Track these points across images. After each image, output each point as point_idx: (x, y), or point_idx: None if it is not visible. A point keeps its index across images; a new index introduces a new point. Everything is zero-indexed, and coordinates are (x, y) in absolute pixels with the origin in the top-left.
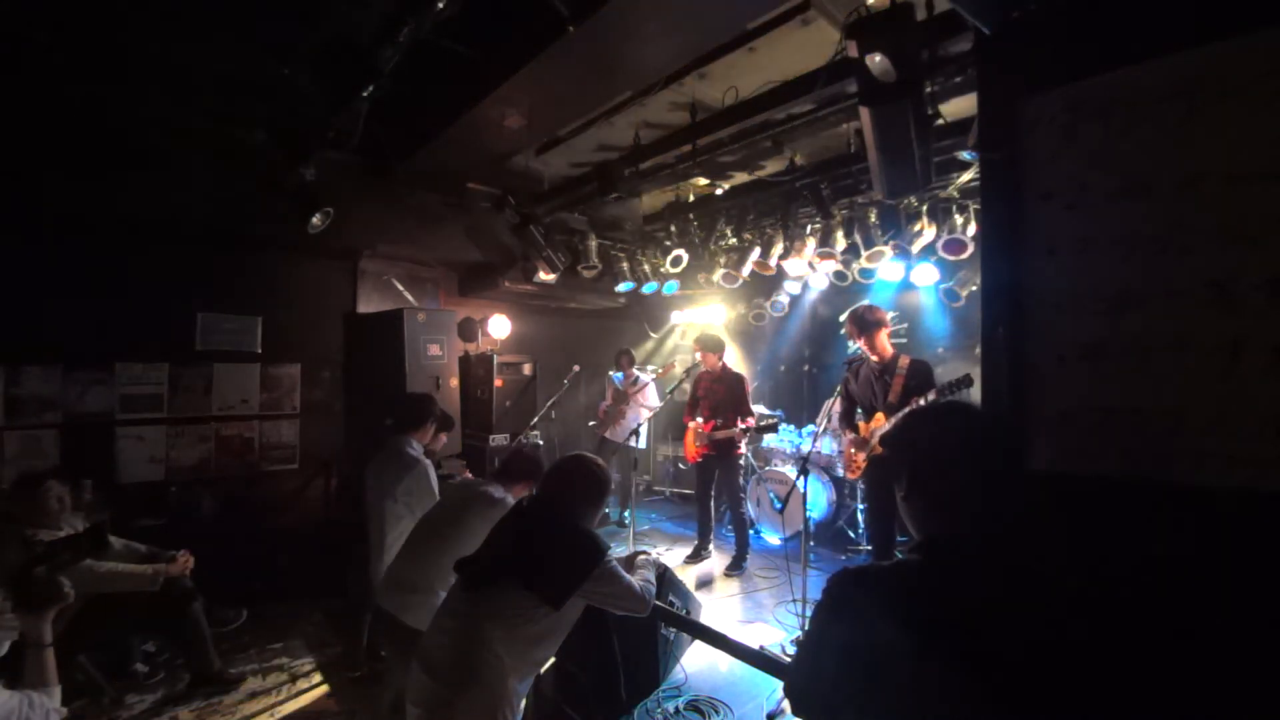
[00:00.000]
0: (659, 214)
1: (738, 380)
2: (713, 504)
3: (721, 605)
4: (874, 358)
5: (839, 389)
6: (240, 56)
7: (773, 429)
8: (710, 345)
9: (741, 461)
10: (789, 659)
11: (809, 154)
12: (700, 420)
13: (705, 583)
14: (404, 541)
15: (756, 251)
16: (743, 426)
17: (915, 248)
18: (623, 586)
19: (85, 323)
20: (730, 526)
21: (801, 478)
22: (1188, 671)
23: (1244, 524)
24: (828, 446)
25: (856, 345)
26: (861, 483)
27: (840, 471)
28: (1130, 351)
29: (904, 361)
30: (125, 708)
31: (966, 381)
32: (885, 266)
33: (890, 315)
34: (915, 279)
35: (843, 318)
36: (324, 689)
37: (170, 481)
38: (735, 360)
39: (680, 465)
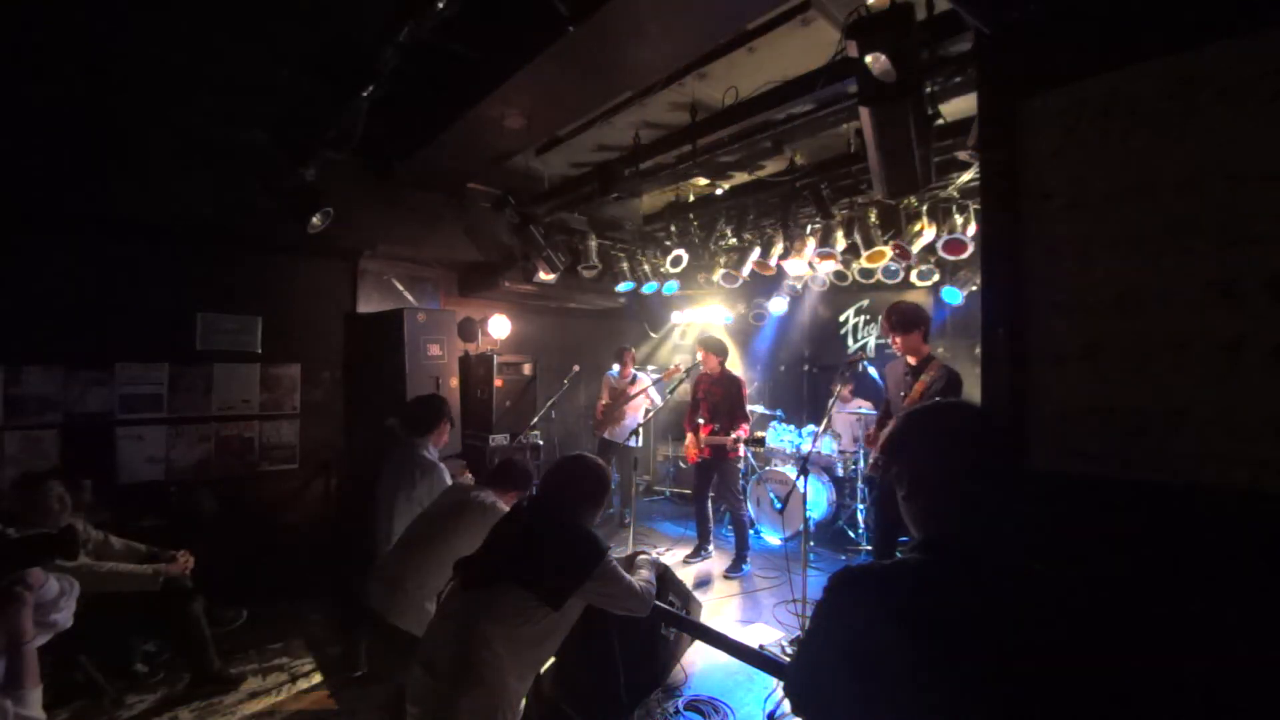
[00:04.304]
0: (659, 214)
1: (735, 384)
2: (710, 505)
3: (721, 605)
4: (910, 359)
5: (840, 387)
6: (241, 57)
7: (759, 442)
8: (712, 347)
9: (740, 465)
10: (789, 659)
11: (809, 154)
12: (701, 422)
13: (705, 583)
14: (396, 539)
15: (756, 251)
16: (734, 435)
17: (915, 248)
18: (623, 586)
19: (85, 323)
20: (730, 527)
21: (801, 478)
22: (1187, 672)
23: (1244, 524)
24: (828, 446)
25: (886, 339)
26: (866, 481)
27: (840, 471)
28: (1130, 351)
29: (934, 367)
30: (125, 708)
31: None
32: (886, 266)
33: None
34: (915, 279)
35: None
36: (324, 689)
37: (170, 481)
38: (735, 360)
39: (680, 465)
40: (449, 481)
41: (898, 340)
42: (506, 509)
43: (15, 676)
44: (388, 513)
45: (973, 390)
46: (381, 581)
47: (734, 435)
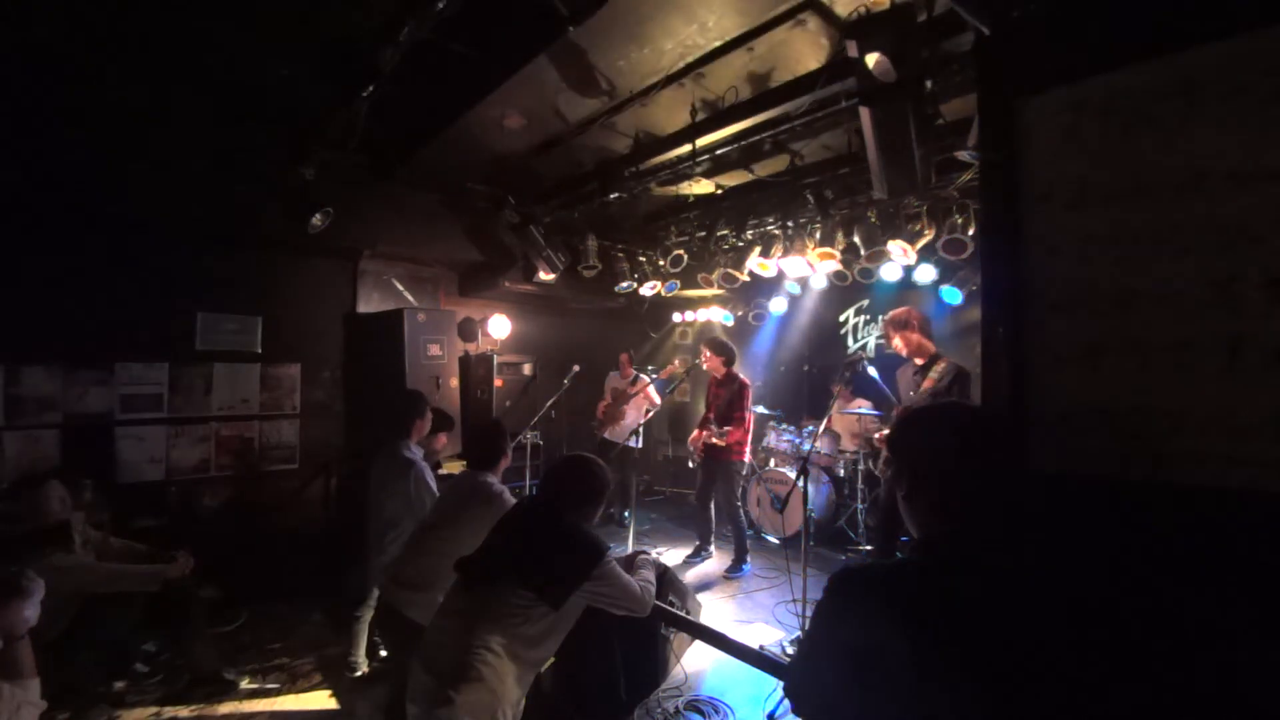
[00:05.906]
0: (659, 214)
1: (739, 388)
2: (712, 507)
3: (721, 605)
4: (917, 360)
5: (840, 387)
6: (241, 56)
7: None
8: (715, 348)
9: (742, 467)
10: (789, 659)
11: (809, 154)
12: (711, 424)
13: (705, 583)
14: (406, 539)
15: (756, 251)
16: (718, 430)
17: (915, 248)
18: (622, 587)
19: (85, 323)
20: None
21: (801, 478)
22: (1187, 672)
23: (1244, 524)
24: (827, 447)
25: (888, 346)
26: (867, 481)
27: (840, 471)
28: (1130, 351)
29: (941, 362)
30: (125, 708)
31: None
32: (886, 266)
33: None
34: (915, 278)
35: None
36: (324, 689)
37: (170, 481)
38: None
39: (680, 465)
40: (428, 478)
41: (898, 343)
42: (513, 499)
43: (15, 666)
44: (377, 513)
45: (974, 390)
46: (398, 581)
47: (719, 430)
